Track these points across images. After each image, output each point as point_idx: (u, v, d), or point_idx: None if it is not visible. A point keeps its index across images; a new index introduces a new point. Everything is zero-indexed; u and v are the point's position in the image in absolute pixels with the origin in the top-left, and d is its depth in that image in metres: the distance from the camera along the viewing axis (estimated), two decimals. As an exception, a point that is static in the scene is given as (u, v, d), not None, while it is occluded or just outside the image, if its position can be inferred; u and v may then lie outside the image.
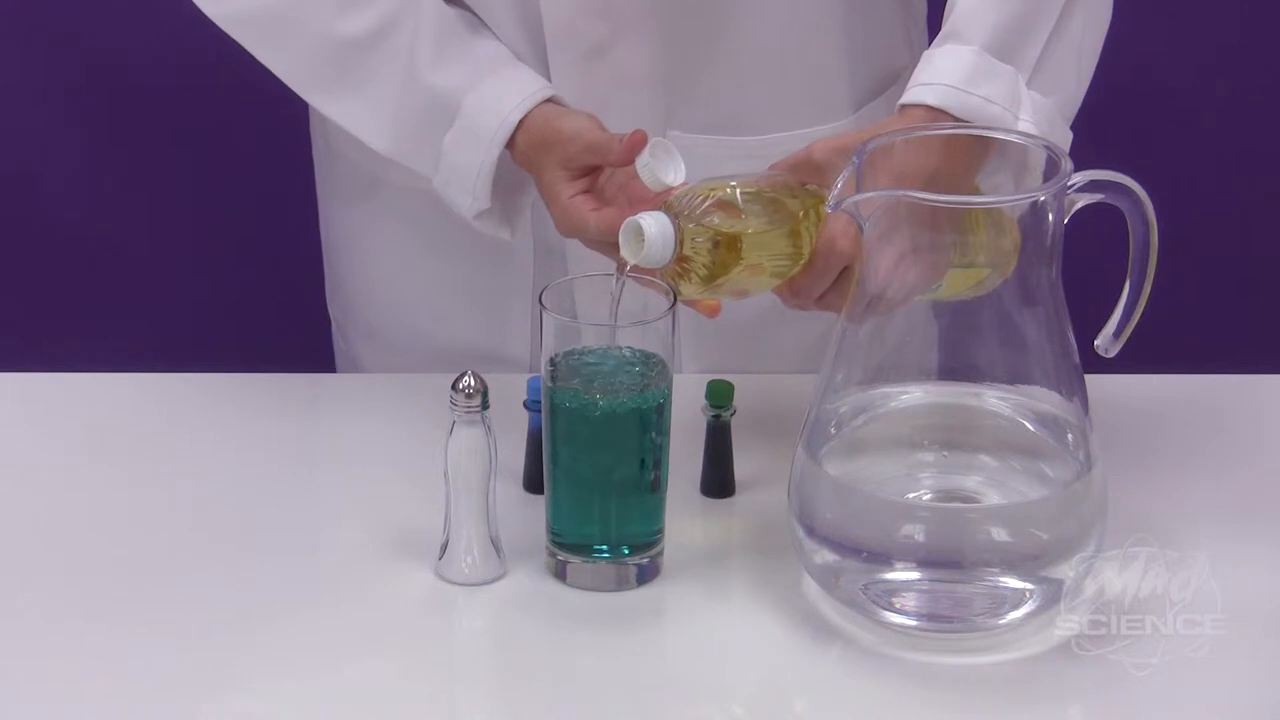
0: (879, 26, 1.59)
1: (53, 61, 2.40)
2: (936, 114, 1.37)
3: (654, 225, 1.30)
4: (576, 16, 1.50)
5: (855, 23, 1.56)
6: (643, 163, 1.36)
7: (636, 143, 1.38)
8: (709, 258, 1.32)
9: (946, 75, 1.37)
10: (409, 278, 1.65)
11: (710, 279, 1.32)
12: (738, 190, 1.33)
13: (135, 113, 2.43)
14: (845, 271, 1.33)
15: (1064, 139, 1.41)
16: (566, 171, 1.43)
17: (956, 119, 1.36)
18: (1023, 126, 1.37)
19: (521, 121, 1.45)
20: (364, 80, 1.50)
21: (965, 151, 1.35)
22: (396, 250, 1.65)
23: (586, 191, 1.43)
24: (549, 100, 1.47)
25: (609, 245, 1.39)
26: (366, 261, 1.68)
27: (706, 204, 1.32)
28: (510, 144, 1.46)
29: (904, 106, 1.38)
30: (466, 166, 1.47)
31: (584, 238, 1.43)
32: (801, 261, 1.34)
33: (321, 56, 1.50)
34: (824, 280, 1.34)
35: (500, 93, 1.47)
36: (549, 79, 1.50)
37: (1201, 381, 1.58)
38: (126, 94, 2.41)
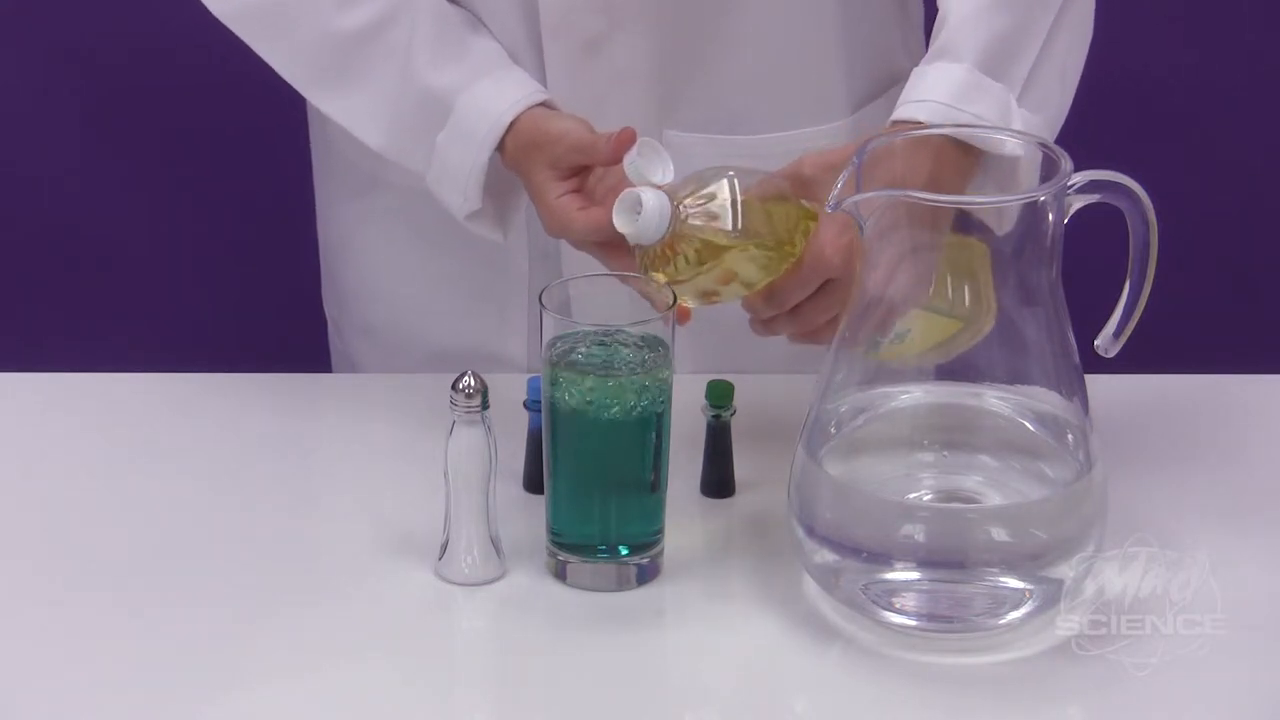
0: (876, 27, 1.59)
1: (52, 60, 2.40)
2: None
3: (653, 199, 1.31)
4: (573, 9, 1.50)
5: (852, 23, 1.56)
6: (630, 161, 1.36)
7: (625, 141, 1.37)
8: (696, 256, 1.32)
9: (937, 92, 1.38)
10: (405, 276, 1.65)
11: (697, 264, 1.32)
12: (735, 183, 1.33)
13: (134, 112, 2.43)
14: (826, 284, 1.34)
15: None
16: (554, 171, 1.43)
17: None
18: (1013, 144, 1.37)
19: (512, 124, 1.45)
20: (360, 76, 1.50)
21: (954, 163, 1.35)
22: (393, 249, 1.65)
23: (575, 191, 1.43)
24: (541, 104, 1.47)
25: (595, 245, 1.39)
26: (363, 260, 1.68)
27: (700, 195, 1.32)
28: (500, 146, 1.46)
29: (895, 123, 1.39)
30: (458, 166, 1.47)
31: (570, 237, 1.43)
32: (785, 267, 1.34)
33: (320, 51, 1.50)
34: (805, 289, 1.34)
35: (494, 94, 1.46)
36: (545, 72, 1.51)
37: (1201, 381, 1.58)
38: (126, 93, 2.41)
